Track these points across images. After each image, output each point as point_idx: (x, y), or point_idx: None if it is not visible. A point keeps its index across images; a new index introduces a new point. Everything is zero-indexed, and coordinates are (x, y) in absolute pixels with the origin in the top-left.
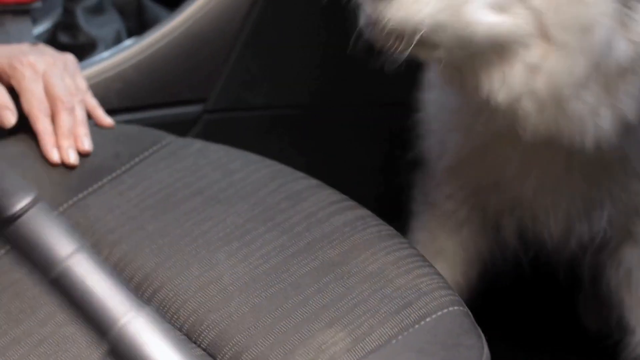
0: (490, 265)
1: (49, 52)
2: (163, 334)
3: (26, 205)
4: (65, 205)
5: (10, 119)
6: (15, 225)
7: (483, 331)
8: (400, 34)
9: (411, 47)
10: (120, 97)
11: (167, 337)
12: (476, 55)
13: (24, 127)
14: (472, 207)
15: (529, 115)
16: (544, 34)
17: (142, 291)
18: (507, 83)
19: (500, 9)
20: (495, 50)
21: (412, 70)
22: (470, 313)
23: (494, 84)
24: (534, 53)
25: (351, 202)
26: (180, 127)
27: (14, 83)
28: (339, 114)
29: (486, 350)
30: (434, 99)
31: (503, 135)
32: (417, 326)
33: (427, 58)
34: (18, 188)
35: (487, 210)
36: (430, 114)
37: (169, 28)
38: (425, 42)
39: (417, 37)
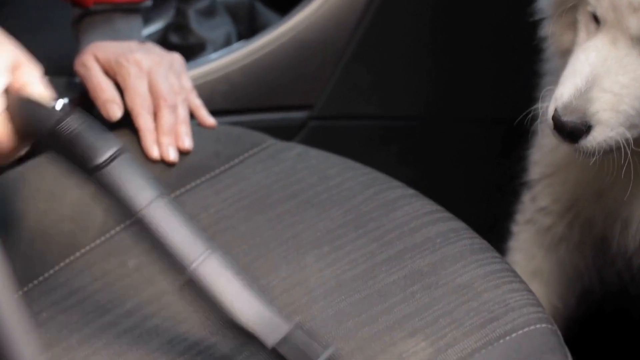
0: (591, 289)
1: (156, 50)
2: (232, 274)
3: (111, 156)
4: None
5: (117, 112)
6: (101, 174)
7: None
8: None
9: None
10: (226, 99)
11: (235, 277)
12: None
13: (127, 123)
14: (569, 223)
15: None
16: None
17: None
18: None
19: None
20: None
21: (527, 88)
22: (558, 332)
23: None
24: None
25: (446, 214)
26: (285, 133)
27: (119, 79)
28: (449, 128)
29: None
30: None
31: None
32: (501, 341)
33: None
34: (105, 140)
35: (585, 226)
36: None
37: (277, 33)
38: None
39: (629, 153)
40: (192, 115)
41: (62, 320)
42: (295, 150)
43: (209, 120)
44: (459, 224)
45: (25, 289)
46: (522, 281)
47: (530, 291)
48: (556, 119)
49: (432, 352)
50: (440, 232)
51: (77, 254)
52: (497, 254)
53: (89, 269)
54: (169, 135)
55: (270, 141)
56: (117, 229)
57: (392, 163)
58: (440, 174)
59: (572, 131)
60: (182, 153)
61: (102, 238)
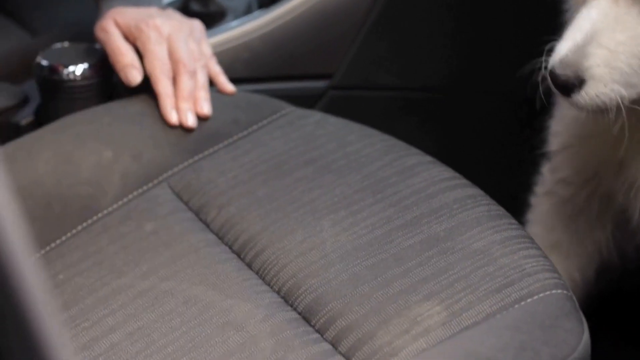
0: (610, 265)
1: (176, 17)
2: None
3: None
4: (180, 166)
5: (136, 77)
6: None
7: (594, 332)
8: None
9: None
10: (246, 67)
11: None
12: None
13: (146, 88)
14: (589, 194)
15: None
16: None
17: (245, 253)
18: None
19: None
20: None
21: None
22: (574, 298)
23: None
24: None
25: (464, 181)
26: (305, 102)
27: (139, 44)
28: (470, 100)
29: (586, 336)
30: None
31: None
32: (516, 306)
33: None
34: None
35: (605, 198)
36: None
37: (298, 1)
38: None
39: (623, 111)
40: (212, 82)
41: (79, 282)
42: (314, 117)
43: (228, 86)
44: (476, 191)
45: (43, 251)
46: (538, 248)
47: (546, 257)
48: (551, 72)
49: (446, 316)
50: (458, 198)
51: (95, 217)
52: (514, 221)
53: (105, 232)
54: (187, 101)
55: (290, 108)
56: (135, 193)
57: (411, 134)
58: (460, 146)
59: (564, 84)
60: (201, 119)
61: (120, 202)
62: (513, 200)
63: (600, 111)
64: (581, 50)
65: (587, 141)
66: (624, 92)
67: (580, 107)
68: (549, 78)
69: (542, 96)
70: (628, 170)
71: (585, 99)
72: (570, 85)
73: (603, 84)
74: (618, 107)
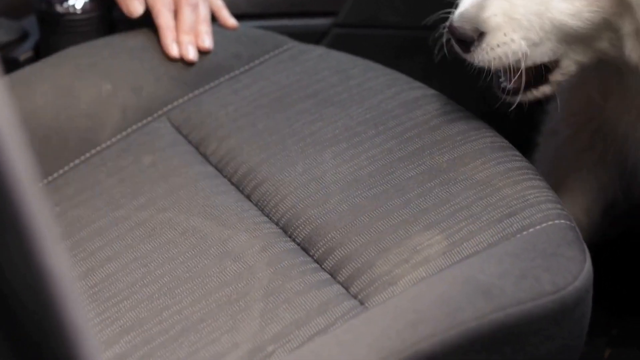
0: (614, 203)
1: None
2: None
3: None
4: (180, 100)
5: (138, 8)
6: None
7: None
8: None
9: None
10: (249, 3)
11: None
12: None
13: (147, 21)
14: (594, 132)
15: None
16: None
17: (244, 184)
18: None
19: None
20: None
21: None
22: (577, 229)
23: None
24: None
25: (467, 113)
26: (308, 39)
27: None
28: None
29: (588, 265)
30: None
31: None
32: (518, 236)
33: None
34: None
35: (609, 135)
36: None
37: None
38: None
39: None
40: (214, 17)
41: (75, 214)
42: (317, 51)
43: (231, 21)
44: (480, 123)
45: (40, 184)
46: (542, 179)
47: (549, 189)
48: (450, 26)
49: (447, 245)
50: (461, 130)
51: (93, 150)
52: (517, 152)
53: (104, 165)
54: (189, 34)
55: (292, 43)
56: (134, 126)
57: (417, 74)
58: (466, 85)
59: (462, 38)
60: (202, 53)
61: (119, 136)
62: (520, 139)
63: (501, 66)
64: (480, 3)
65: (591, 80)
66: (524, 46)
67: (482, 62)
68: (449, 33)
69: (445, 48)
70: (631, 103)
71: (487, 51)
72: (469, 39)
73: (503, 33)
74: (518, 66)
